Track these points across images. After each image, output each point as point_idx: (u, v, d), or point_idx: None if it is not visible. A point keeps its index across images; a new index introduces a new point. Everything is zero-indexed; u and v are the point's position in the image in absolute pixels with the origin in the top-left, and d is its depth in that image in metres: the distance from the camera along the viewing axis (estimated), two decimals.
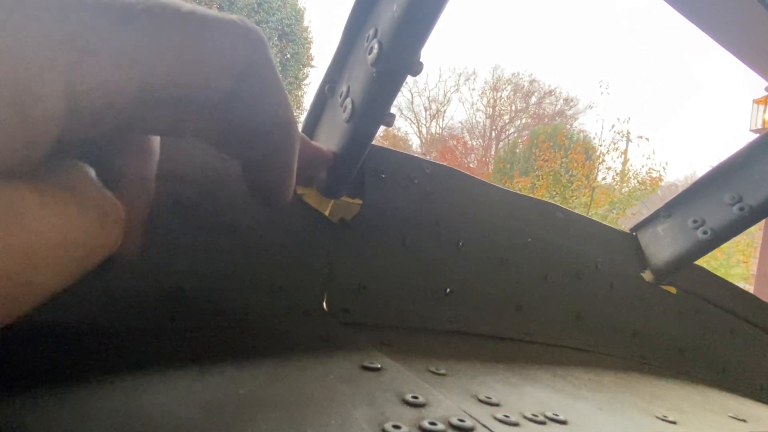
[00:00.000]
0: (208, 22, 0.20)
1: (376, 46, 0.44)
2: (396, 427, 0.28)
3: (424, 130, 40.05)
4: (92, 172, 0.20)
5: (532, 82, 38.98)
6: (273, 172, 0.25)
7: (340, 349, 0.43)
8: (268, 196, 0.27)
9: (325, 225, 0.54)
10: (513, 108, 38.87)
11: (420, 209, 0.61)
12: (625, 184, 17.44)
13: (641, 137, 17.22)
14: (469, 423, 0.31)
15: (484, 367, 0.48)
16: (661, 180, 16.95)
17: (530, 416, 0.35)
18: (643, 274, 0.85)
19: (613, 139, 16.53)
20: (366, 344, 0.45)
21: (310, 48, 24.55)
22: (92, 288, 0.38)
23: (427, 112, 40.59)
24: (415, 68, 0.45)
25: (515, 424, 0.33)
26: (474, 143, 40.38)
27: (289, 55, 23.05)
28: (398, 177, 0.60)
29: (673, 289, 0.88)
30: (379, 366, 0.39)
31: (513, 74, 40.08)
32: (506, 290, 0.69)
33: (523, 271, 0.71)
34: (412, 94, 41.75)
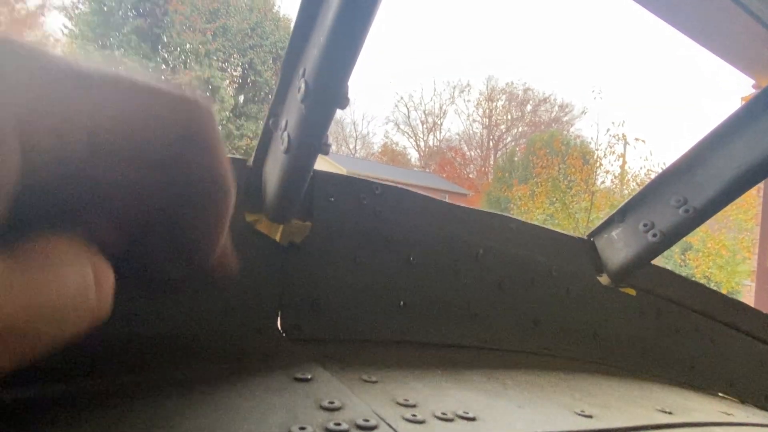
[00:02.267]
0: (155, 93, 0.24)
1: (303, 85, 0.48)
2: (302, 428, 0.32)
3: (422, 144, 40.31)
4: (83, 241, 0.23)
5: (526, 90, 39.25)
6: (202, 228, 0.27)
7: (280, 363, 0.46)
8: (191, 253, 0.28)
9: (276, 248, 0.58)
10: (509, 117, 39.11)
11: (370, 228, 0.65)
12: (624, 187, 17.48)
13: (637, 139, 17.31)
14: (373, 422, 0.34)
15: (421, 373, 0.51)
16: None
17: (440, 415, 0.38)
18: (599, 278, 0.88)
19: (609, 143, 16.62)
20: (306, 358, 0.49)
21: None
22: None
23: (424, 126, 40.86)
24: (342, 102, 0.50)
25: (421, 422, 0.36)
26: (472, 154, 40.57)
27: None
28: (347, 199, 0.64)
29: (632, 291, 0.91)
30: (309, 377, 0.42)
31: (507, 84, 40.42)
32: (460, 300, 0.72)
33: (477, 281, 0.74)
34: (408, 109, 42.06)
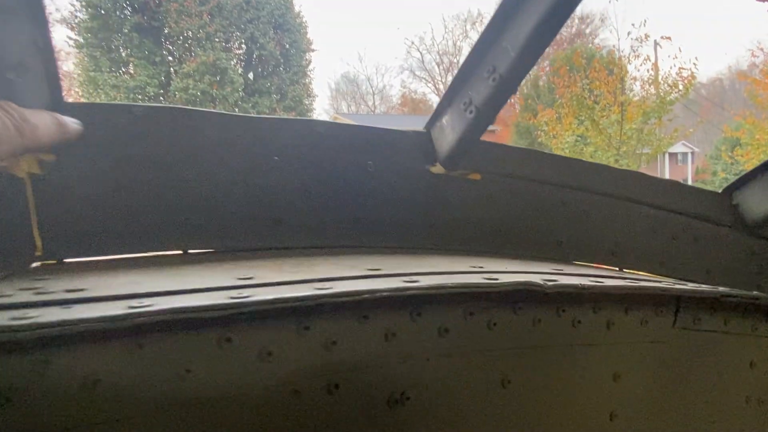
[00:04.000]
0: None
1: None
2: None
3: (441, 87, 39.14)
4: None
5: None
6: None
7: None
8: None
9: (21, 182, 0.61)
10: None
11: (133, 150, 0.67)
12: (658, 90, 16.43)
13: (663, 38, 16.13)
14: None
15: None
16: (694, 78, 15.85)
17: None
18: (432, 168, 0.86)
19: (631, 46, 15.57)
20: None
21: (306, 33, 24.42)
22: None
23: (440, 67, 39.50)
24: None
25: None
26: None
27: (288, 45, 22.99)
28: (101, 126, 0.66)
29: (477, 176, 0.89)
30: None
31: None
32: (256, 208, 0.73)
33: (279, 187, 0.75)
34: (421, 53, 40.69)
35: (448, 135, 0.86)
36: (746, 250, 1.09)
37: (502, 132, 32.29)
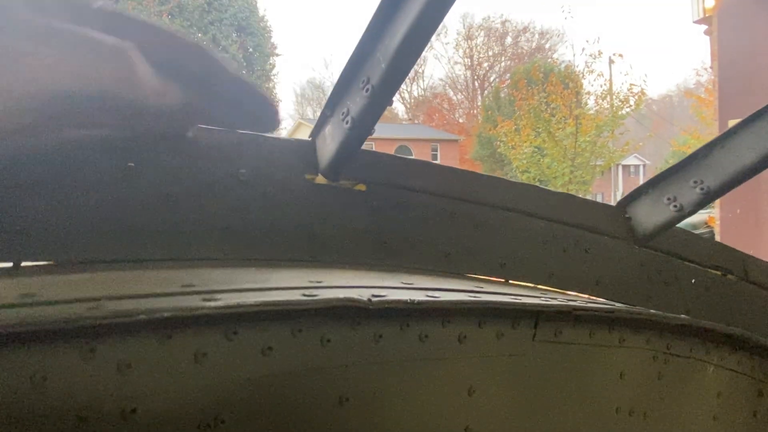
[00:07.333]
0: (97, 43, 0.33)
1: None
2: None
3: (406, 96, 39.54)
4: None
5: (504, 22, 37.95)
6: None
7: None
8: None
9: None
10: (490, 54, 38.06)
11: None
12: (608, 105, 17.11)
13: (615, 54, 16.81)
14: None
15: None
16: (644, 94, 16.59)
17: None
18: (314, 178, 0.85)
19: (585, 62, 16.15)
20: None
21: (270, 37, 24.20)
22: None
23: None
24: None
25: None
26: (458, 98, 39.70)
27: (251, 49, 22.70)
28: None
29: (362, 187, 0.88)
30: None
31: (484, 19, 39.08)
32: (110, 218, 0.70)
33: (133, 195, 0.71)
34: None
35: (329, 145, 0.85)
36: (636, 262, 1.13)
37: (466, 141, 32.88)
